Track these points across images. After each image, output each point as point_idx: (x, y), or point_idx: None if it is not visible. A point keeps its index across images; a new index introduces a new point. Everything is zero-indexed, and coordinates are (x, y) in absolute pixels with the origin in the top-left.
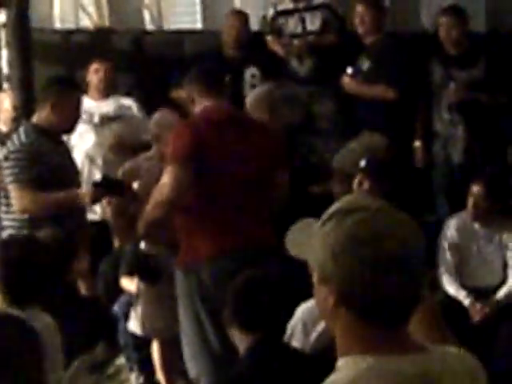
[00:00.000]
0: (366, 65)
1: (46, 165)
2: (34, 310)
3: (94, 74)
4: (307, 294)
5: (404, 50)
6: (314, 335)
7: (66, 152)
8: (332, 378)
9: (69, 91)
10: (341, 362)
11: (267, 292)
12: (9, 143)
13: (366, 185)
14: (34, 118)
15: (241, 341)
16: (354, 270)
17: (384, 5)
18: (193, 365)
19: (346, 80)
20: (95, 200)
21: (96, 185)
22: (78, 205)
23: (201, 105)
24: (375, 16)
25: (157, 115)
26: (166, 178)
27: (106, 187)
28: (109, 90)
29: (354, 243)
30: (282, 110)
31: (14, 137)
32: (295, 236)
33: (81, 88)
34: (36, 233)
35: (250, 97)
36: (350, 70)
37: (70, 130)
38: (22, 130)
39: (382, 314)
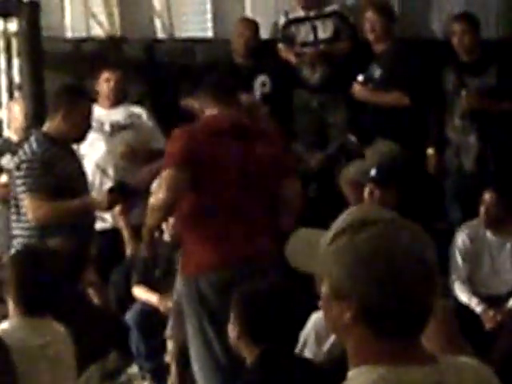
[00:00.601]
0: (377, 72)
1: (59, 174)
2: (46, 319)
3: (105, 82)
4: (308, 305)
5: (416, 57)
6: (327, 345)
7: (77, 161)
8: None
9: (79, 100)
10: (352, 372)
11: (273, 304)
12: (20, 152)
13: (376, 194)
14: (45, 127)
15: (248, 352)
16: (372, 286)
17: (394, 11)
18: (199, 376)
19: (356, 88)
20: (111, 206)
21: (111, 190)
22: (92, 212)
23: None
24: (385, 23)
25: None
26: (162, 182)
27: (121, 192)
28: (119, 98)
29: (371, 259)
30: None
31: (26, 146)
32: (297, 247)
33: (91, 97)
34: (47, 242)
35: None
36: (360, 78)
37: (80, 138)
38: (33, 139)
39: (399, 327)
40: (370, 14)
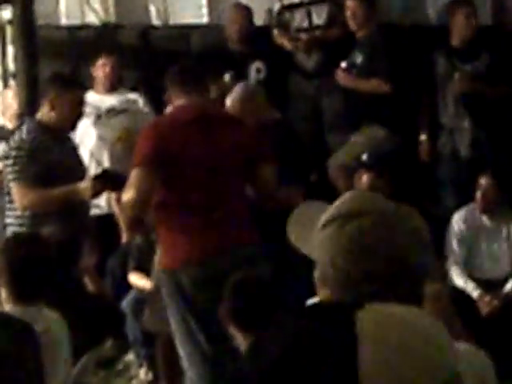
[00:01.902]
0: (359, 59)
1: (47, 162)
2: (39, 306)
3: (101, 68)
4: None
5: (397, 43)
6: None
7: (72, 149)
8: None
9: (69, 88)
10: None
11: (262, 291)
12: (11, 140)
13: (368, 179)
14: (38, 115)
15: (241, 341)
16: (349, 278)
17: None
18: (186, 365)
19: (339, 74)
20: (95, 193)
21: (96, 178)
22: (80, 199)
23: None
24: (365, 10)
25: None
26: (131, 181)
27: (106, 180)
28: (115, 84)
29: (352, 252)
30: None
31: (17, 134)
32: (297, 226)
33: (83, 85)
34: (39, 230)
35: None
36: (343, 64)
37: (70, 127)
38: (24, 126)
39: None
40: (349, 2)
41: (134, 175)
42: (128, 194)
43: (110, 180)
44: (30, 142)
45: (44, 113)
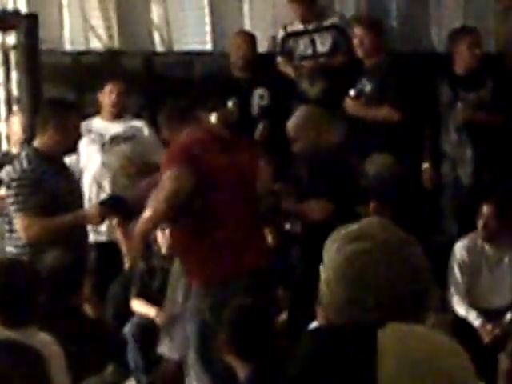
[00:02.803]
0: (368, 87)
1: (49, 191)
2: (31, 330)
3: (107, 95)
4: None
5: (406, 71)
6: None
7: (70, 176)
8: None
9: (68, 112)
10: None
11: (260, 321)
12: (10, 170)
13: (373, 206)
14: (35, 143)
15: (239, 368)
16: (340, 302)
17: (381, 26)
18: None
19: (349, 103)
20: (103, 219)
21: (102, 203)
22: (85, 225)
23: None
24: (373, 38)
25: None
26: (163, 184)
27: (112, 206)
28: (121, 111)
29: (344, 276)
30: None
31: (16, 163)
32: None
33: (77, 108)
34: (41, 257)
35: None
36: (352, 92)
37: (72, 148)
38: (23, 155)
39: None
40: (357, 30)
41: (169, 175)
42: (160, 196)
43: (116, 205)
44: (31, 172)
45: (42, 140)
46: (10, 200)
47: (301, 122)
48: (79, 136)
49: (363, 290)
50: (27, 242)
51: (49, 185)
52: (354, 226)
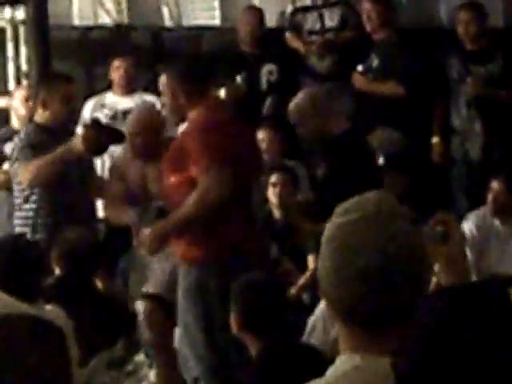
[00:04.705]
0: (375, 62)
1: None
2: (40, 303)
3: (116, 71)
4: None
5: (415, 46)
6: (333, 333)
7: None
8: (327, 373)
9: (56, 84)
10: (337, 359)
11: (272, 296)
12: (12, 146)
13: (384, 182)
14: (34, 118)
15: (251, 344)
16: (323, 271)
17: (390, 1)
18: (196, 364)
19: (356, 77)
20: (88, 142)
21: (85, 126)
22: (76, 154)
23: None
24: (382, 12)
25: (138, 112)
26: (211, 181)
27: (97, 129)
28: (130, 86)
29: (332, 249)
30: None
31: (16, 137)
32: None
33: (71, 79)
34: (65, 233)
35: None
36: (360, 68)
37: (62, 125)
38: (23, 130)
39: (359, 320)
40: (365, 4)
41: (212, 176)
42: (208, 195)
43: (102, 129)
44: (28, 139)
45: (38, 114)
46: (13, 166)
47: (302, 106)
48: (71, 111)
49: (344, 261)
50: (29, 186)
51: (45, 153)
52: (349, 200)
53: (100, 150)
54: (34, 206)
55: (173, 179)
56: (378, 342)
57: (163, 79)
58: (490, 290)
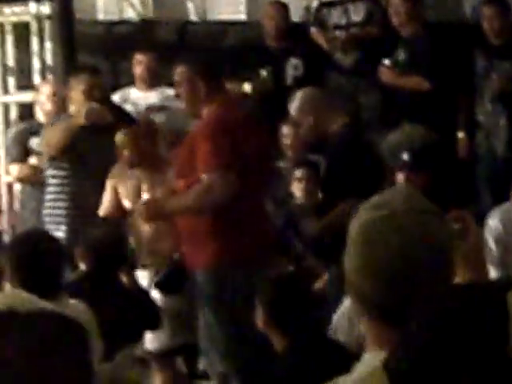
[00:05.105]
0: (401, 56)
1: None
2: (62, 299)
3: (137, 65)
4: None
5: (442, 41)
6: (358, 330)
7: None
8: (353, 370)
9: (76, 77)
10: (364, 356)
11: (298, 293)
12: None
13: (407, 177)
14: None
15: (276, 340)
16: (350, 266)
17: None
18: (221, 362)
19: (382, 71)
20: (91, 114)
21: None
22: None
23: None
24: (410, 7)
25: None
26: (218, 180)
27: (105, 105)
28: (153, 80)
29: (361, 244)
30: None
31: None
32: None
33: (97, 73)
34: (90, 228)
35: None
36: (386, 62)
37: (89, 117)
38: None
39: (384, 315)
40: None
41: (220, 175)
42: (210, 195)
43: (110, 106)
44: None
45: (72, 109)
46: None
47: (300, 106)
48: (97, 99)
49: (373, 256)
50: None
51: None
52: (379, 195)
53: (105, 127)
54: (65, 203)
55: (182, 184)
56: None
57: (180, 70)
58: (488, 293)
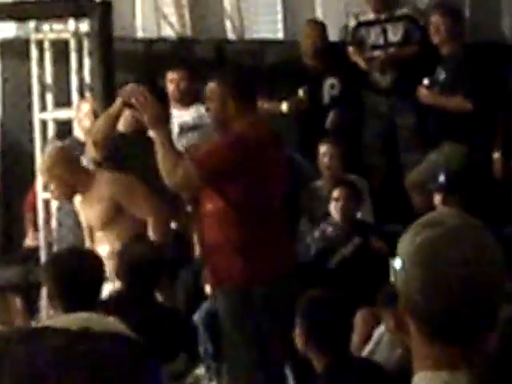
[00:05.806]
0: (442, 76)
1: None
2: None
3: (170, 83)
4: None
5: (481, 61)
6: (399, 351)
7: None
8: None
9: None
10: (417, 377)
11: (339, 312)
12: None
13: (443, 199)
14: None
15: (316, 360)
16: (413, 287)
17: (461, 14)
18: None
19: (422, 91)
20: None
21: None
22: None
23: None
24: (450, 25)
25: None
26: (198, 171)
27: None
28: (186, 98)
29: (417, 260)
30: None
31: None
32: None
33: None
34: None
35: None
36: (426, 81)
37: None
38: None
39: (444, 334)
40: (435, 17)
41: (190, 167)
42: (177, 177)
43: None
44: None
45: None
46: None
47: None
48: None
49: (435, 274)
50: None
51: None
52: (425, 216)
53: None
54: None
55: (210, 206)
56: (464, 357)
57: (212, 86)
58: None
